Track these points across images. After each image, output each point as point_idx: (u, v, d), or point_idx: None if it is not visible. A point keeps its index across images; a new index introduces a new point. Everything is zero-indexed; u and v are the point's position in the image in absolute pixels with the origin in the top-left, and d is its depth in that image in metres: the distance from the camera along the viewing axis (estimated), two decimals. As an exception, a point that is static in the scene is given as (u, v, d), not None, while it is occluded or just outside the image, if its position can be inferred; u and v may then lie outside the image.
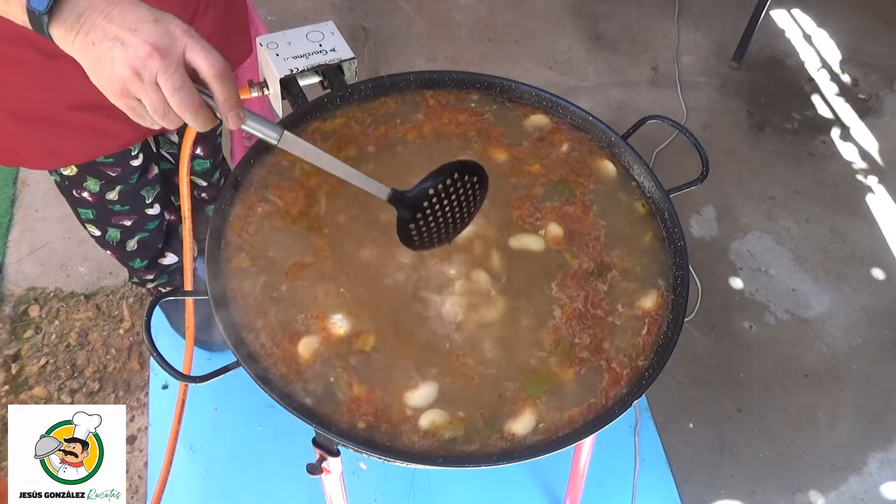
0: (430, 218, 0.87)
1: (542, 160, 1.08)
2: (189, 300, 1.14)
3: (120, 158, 1.25)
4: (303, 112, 1.08)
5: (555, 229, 1.01)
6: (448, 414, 0.85)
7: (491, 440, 0.84)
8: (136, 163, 1.29)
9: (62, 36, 0.69)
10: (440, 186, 0.85)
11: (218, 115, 0.72)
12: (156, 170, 1.39)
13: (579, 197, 1.04)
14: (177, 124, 0.72)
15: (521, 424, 0.85)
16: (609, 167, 1.08)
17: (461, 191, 0.87)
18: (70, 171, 1.24)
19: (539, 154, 1.09)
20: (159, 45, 0.67)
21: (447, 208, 0.87)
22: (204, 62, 0.69)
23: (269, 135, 0.75)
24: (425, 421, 0.84)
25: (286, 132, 0.75)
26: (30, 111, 1.08)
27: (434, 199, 0.85)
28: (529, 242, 0.99)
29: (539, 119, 1.13)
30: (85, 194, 1.30)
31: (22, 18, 0.70)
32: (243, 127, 0.74)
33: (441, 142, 1.09)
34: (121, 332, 1.77)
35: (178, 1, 1.07)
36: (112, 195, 1.32)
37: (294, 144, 0.76)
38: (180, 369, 0.84)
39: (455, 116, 1.12)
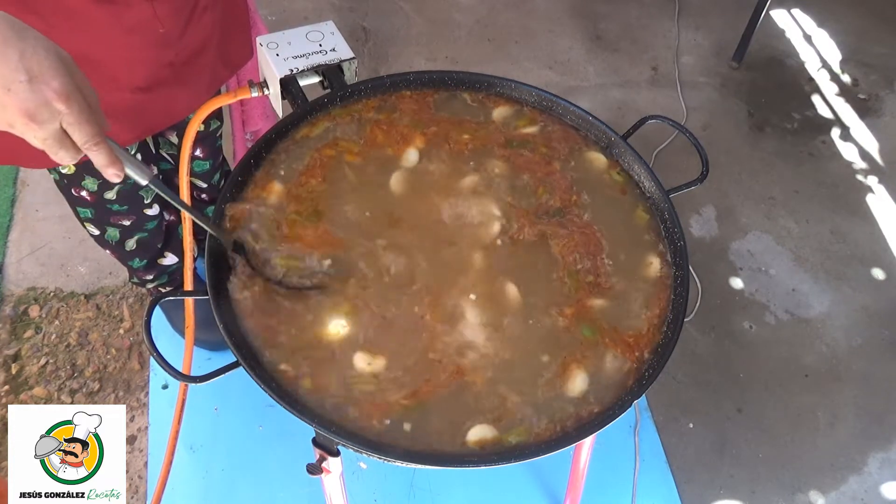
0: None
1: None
2: (189, 300, 1.14)
3: None
4: (303, 112, 1.08)
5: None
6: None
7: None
8: None
9: None
10: None
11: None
12: (155, 171, 1.39)
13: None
14: (72, 160, 0.75)
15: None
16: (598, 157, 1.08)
17: None
18: (68, 169, 1.24)
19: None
20: (36, 116, 0.68)
21: None
22: (77, 135, 0.71)
23: (141, 176, 0.79)
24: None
25: (154, 178, 0.81)
26: None
27: None
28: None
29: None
30: (83, 193, 1.30)
31: None
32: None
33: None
34: (121, 332, 1.77)
35: (175, 3, 1.07)
36: (110, 195, 1.32)
37: (158, 186, 0.82)
38: (180, 369, 0.84)
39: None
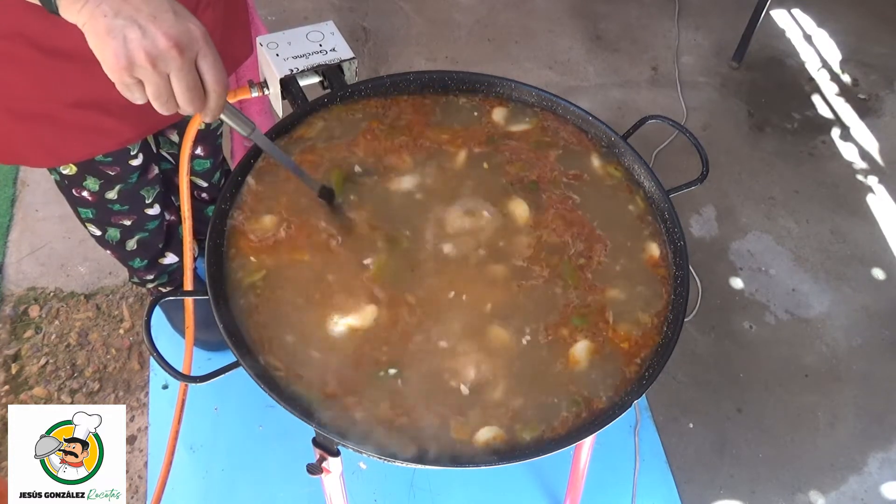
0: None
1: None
2: (189, 300, 1.14)
3: (119, 158, 1.25)
4: (303, 112, 1.08)
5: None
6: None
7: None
8: (135, 162, 1.29)
9: (67, 7, 0.71)
10: None
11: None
12: (156, 170, 1.39)
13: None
14: (169, 111, 0.74)
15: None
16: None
17: None
18: (69, 170, 1.24)
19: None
20: (180, 42, 0.70)
21: None
22: (210, 75, 0.73)
23: (242, 127, 0.84)
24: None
25: (256, 128, 0.86)
26: (28, 109, 1.08)
27: None
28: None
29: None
30: (84, 193, 1.30)
31: None
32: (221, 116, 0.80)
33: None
34: (121, 332, 1.77)
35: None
36: (111, 194, 1.32)
37: (259, 138, 0.88)
38: (180, 369, 0.84)
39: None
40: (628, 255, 1.00)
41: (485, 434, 0.84)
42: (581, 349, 0.91)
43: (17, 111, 1.08)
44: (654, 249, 1.01)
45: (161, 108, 0.74)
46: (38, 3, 0.72)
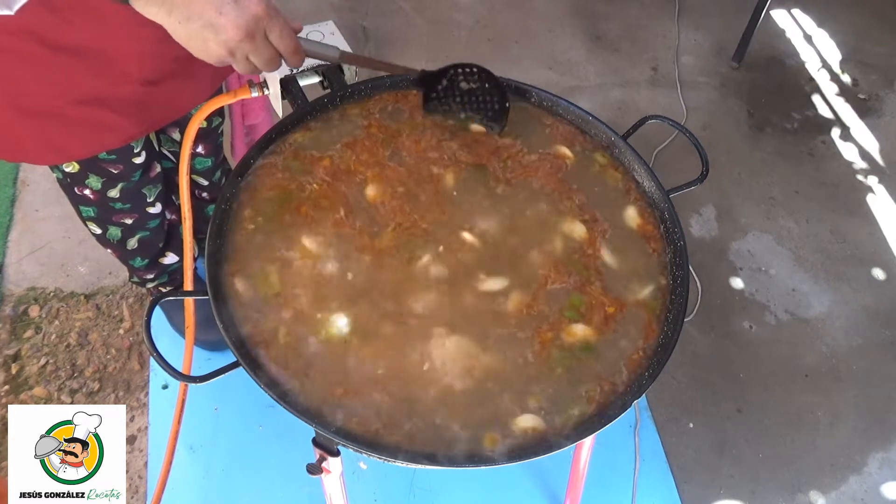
0: (450, 97, 1.10)
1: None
2: (189, 300, 1.14)
3: (122, 155, 1.25)
4: (303, 112, 1.08)
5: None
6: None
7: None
8: (138, 160, 1.29)
9: (142, 8, 0.78)
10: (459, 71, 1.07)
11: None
12: (158, 168, 1.39)
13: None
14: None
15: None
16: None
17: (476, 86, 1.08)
18: (72, 168, 1.24)
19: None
20: (248, 28, 0.79)
21: (465, 92, 1.09)
22: (280, 44, 0.83)
23: (329, 56, 0.92)
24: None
25: (342, 51, 0.92)
26: (34, 105, 1.08)
27: (453, 82, 1.08)
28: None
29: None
30: (86, 192, 1.30)
31: None
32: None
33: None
34: (121, 332, 1.77)
35: None
36: (114, 193, 1.32)
37: (348, 57, 0.95)
38: (180, 369, 0.84)
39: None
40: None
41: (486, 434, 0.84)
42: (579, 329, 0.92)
43: (24, 107, 1.08)
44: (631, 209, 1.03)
45: (252, 74, 0.86)
46: None
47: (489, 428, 0.85)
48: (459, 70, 1.07)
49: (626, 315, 0.94)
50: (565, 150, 1.10)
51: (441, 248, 0.97)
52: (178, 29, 0.79)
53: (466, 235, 0.98)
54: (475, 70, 1.07)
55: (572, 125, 1.13)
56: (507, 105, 1.08)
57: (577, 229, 1.01)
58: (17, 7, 0.81)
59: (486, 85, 1.08)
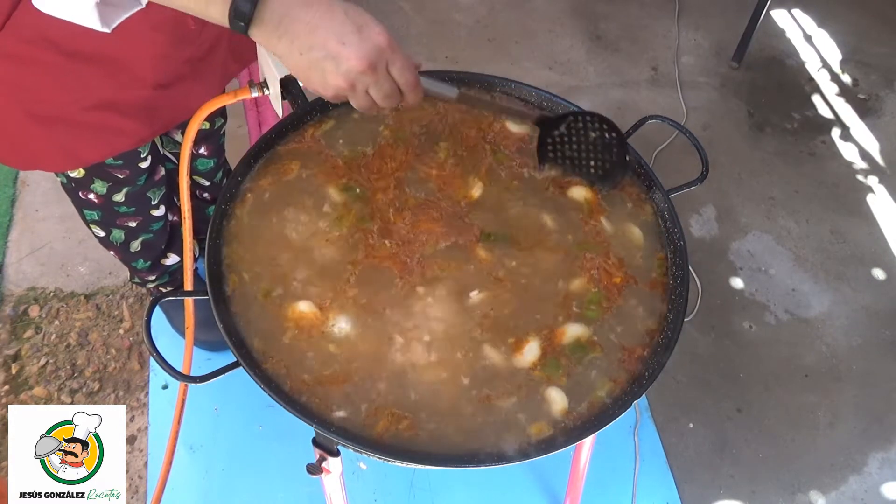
0: (566, 145, 1.04)
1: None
2: (189, 300, 1.14)
3: (129, 160, 1.25)
4: (303, 113, 1.08)
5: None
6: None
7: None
8: (144, 164, 1.29)
9: (263, 39, 0.76)
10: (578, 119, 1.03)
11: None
12: (162, 171, 1.39)
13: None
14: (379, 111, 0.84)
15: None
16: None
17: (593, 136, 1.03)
18: (78, 173, 1.24)
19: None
20: (371, 60, 0.76)
21: (580, 144, 1.04)
22: (401, 79, 0.80)
23: (447, 96, 0.91)
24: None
25: (460, 91, 0.92)
26: (48, 112, 1.08)
27: (570, 131, 1.03)
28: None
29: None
30: (91, 196, 1.30)
31: (218, 19, 0.73)
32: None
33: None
34: (121, 332, 1.77)
35: None
36: (119, 197, 1.31)
37: (467, 97, 0.94)
38: (180, 369, 0.84)
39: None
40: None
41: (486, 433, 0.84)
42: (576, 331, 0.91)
43: (38, 114, 1.08)
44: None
45: (369, 112, 0.83)
46: (225, 26, 0.74)
47: (489, 428, 0.85)
48: (580, 118, 1.03)
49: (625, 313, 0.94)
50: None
51: (444, 244, 0.97)
52: (299, 60, 0.76)
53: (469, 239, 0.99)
54: (595, 119, 1.03)
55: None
56: (627, 158, 1.03)
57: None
58: None
59: (606, 136, 1.03)
